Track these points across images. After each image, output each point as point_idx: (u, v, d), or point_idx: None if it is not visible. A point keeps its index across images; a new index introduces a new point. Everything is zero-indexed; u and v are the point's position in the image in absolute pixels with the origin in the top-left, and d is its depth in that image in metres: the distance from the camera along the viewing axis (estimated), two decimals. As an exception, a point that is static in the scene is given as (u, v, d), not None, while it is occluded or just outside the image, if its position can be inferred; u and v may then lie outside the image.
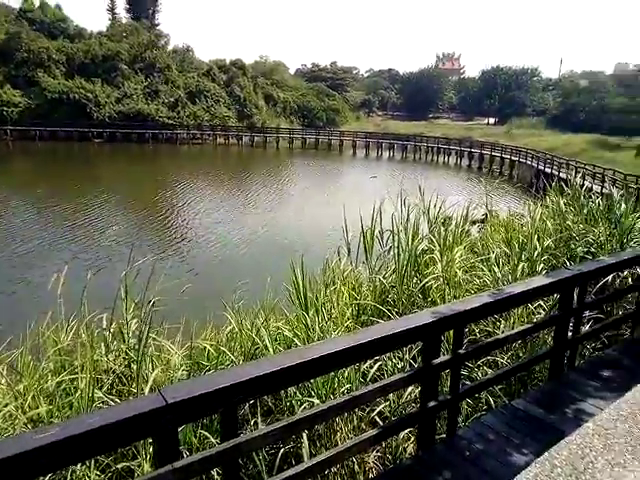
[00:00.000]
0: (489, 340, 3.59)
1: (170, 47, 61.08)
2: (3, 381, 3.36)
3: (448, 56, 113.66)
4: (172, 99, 53.81)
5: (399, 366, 3.70)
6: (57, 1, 64.18)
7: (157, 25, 66.64)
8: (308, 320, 3.75)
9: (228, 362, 3.57)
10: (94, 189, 26.21)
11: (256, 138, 54.53)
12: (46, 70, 50.42)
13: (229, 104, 58.41)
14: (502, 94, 78.51)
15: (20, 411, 2.97)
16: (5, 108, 47.68)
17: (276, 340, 3.75)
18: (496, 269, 5.08)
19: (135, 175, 33.61)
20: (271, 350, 3.48)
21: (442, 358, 2.89)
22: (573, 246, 5.98)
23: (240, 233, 17.95)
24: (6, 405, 2.98)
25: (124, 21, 65.27)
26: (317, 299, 4.15)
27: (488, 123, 79.15)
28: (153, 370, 3.26)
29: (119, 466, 2.73)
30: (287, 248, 15.04)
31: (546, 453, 2.35)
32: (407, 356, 3.72)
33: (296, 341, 3.64)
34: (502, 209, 9.62)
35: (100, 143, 48.01)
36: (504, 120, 70.64)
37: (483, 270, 5.17)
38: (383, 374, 3.64)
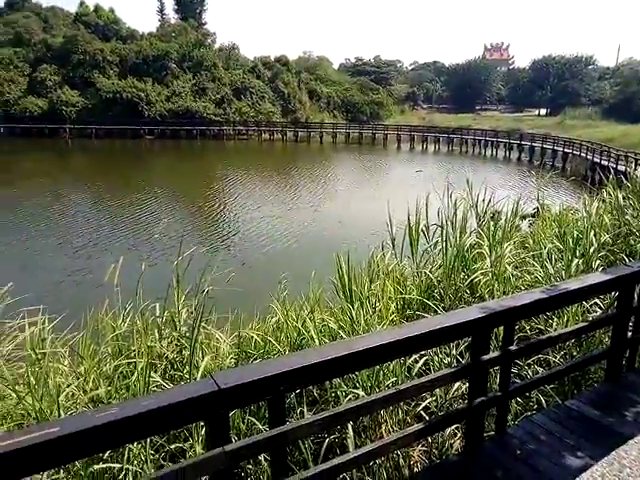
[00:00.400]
0: (541, 338, 3.48)
1: (216, 45, 62.44)
2: (66, 362, 3.58)
3: (496, 46, 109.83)
4: (219, 96, 55.00)
5: (446, 361, 3.64)
6: (111, 4, 66.86)
7: (204, 24, 68.21)
8: (353, 313, 3.76)
9: (275, 352, 3.64)
10: (147, 184, 27.30)
11: (300, 133, 54.87)
12: (101, 71, 52.75)
13: (273, 100, 59.05)
14: (554, 84, 75.18)
15: (81, 391, 3.16)
16: (64, 107, 50.34)
17: (321, 332, 3.78)
18: (548, 265, 4.89)
19: (185, 170, 34.67)
20: (317, 341, 3.51)
21: (491, 354, 2.83)
22: (633, 242, 5.67)
23: (287, 227, 18.18)
24: (69, 385, 3.17)
25: (173, 22, 67.29)
26: (362, 292, 4.15)
27: (539, 114, 76.02)
28: (203, 357, 3.37)
29: (172, 447, 2.86)
30: (332, 242, 15.08)
31: (613, 453, 2.26)
32: (454, 352, 3.66)
33: (341, 333, 3.66)
34: (554, 203, 9.24)
35: (151, 140, 49.81)
36: (557, 111, 67.64)
37: (534, 266, 4.99)
38: (429, 369, 3.60)
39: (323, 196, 24.90)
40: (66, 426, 1.28)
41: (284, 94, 59.40)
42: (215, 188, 26.97)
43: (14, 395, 3.11)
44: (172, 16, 69.80)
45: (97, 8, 60.41)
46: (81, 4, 60.74)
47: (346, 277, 4.13)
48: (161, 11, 70.45)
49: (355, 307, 3.84)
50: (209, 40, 61.19)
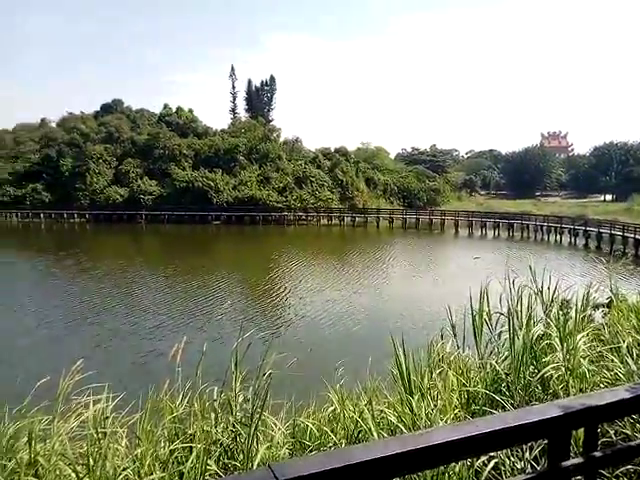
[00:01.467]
0: (631, 444, 3.09)
1: (281, 139, 67.26)
2: (123, 443, 3.59)
3: (554, 134, 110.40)
4: (281, 185, 58.28)
5: (519, 466, 3.30)
6: (190, 106, 75.05)
7: (271, 121, 74.33)
8: (413, 405, 3.57)
9: (331, 443, 3.48)
10: (214, 266, 28.60)
11: (357, 218, 56.18)
12: (177, 163, 58.04)
13: (332, 187, 61.59)
14: (618, 170, 73.33)
15: (137, 476, 3.13)
16: (142, 196, 55.19)
17: (379, 425, 3.59)
18: (629, 360, 4.47)
19: (250, 254, 36.10)
20: (375, 435, 3.33)
21: (573, 460, 2.55)
22: None
23: (348, 311, 18.09)
24: (125, 469, 3.16)
25: (243, 119, 73.94)
26: (422, 383, 3.95)
27: (605, 200, 73.57)
28: (258, 445, 3.28)
29: None
30: (391, 328, 14.77)
31: None
32: (528, 455, 3.32)
33: (401, 427, 3.46)
34: (630, 292, 8.63)
35: (217, 225, 52.82)
36: (623, 197, 65.22)
37: (613, 361, 4.58)
38: (500, 474, 3.27)
39: (382, 280, 24.78)
40: None
41: (342, 182, 61.90)
42: (278, 271, 27.69)
43: (74, 475, 3.14)
44: (243, 115, 77.02)
45: (178, 109, 67.87)
46: (165, 106, 68.63)
47: (404, 366, 3.97)
48: (233, 110, 78.09)
49: (415, 399, 3.65)
50: (275, 134, 66.18)
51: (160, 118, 66.48)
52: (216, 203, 55.25)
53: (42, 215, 55.13)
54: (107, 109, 68.42)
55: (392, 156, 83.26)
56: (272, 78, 78.17)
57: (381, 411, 3.77)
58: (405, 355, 4.05)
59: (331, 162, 63.97)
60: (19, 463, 3.10)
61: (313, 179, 60.85)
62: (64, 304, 19.38)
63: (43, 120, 68.02)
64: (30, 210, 55.39)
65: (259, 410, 3.25)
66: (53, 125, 66.33)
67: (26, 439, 3.41)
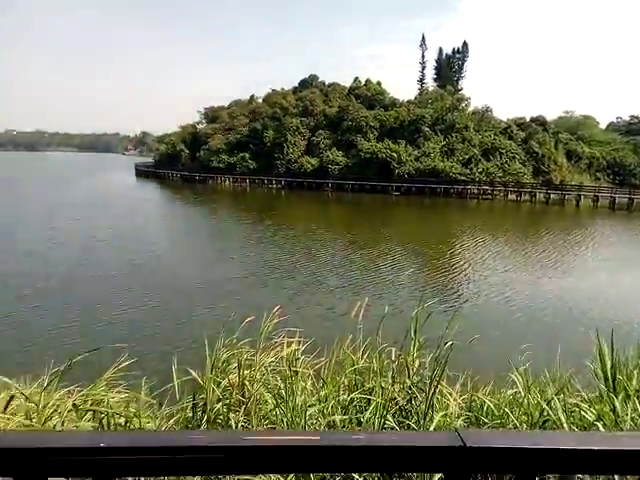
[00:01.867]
0: None
1: (470, 109, 63.42)
2: (309, 384, 4.00)
3: None
4: (466, 156, 55.37)
5: None
6: (378, 78, 75.91)
7: (460, 90, 70.48)
8: (617, 405, 3.15)
9: (510, 425, 3.32)
10: (393, 236, 29.24)
11: (552, 195, 50.26)
12: (363, 135, 59.75)
13: (524, 160, 56.11)
14: None
15: (320, 414, 3.47)
16: (330, 166, 58.64)
17: (571, 418, 3.28)
18: None
19: (430, 226, 35.78)
20: (566, 427, 3.06)
21: None
22: None
23: (535, 296, 16.71)
24: (310, 406, 3.54)
25: (431, 89, 71.72)
26: (629, 384, 3.45)
27: None
28: (433, 411, 3.32)
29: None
30: (583, 320, 13.18)
31: None
32: None
33: (599, 425, 3.10)
34: None
35: (397, 196, 53.22)
36: None
37: None
38: None
39: (580, 268, 21.98)
40: (325, 438, 1.38)
41: (537, 154, 55.84)
42: (458, 245, 26.84)
43: (270, 402, 3.65)
44: (430, 84, 74.69)
45: (367, 82, 69.26)
46: (354, 80, 70.73)
47: (609, 362, 3.51)
48: (421, 81, 76.26)
49: (619, 398, 3.21)
50: (463, 104, 62.72)
51: (350, 91, 68.82)
52: (397, 174, 55.50)
53: (247, 180, 63.00)
54: (304, 84, 73.60)
55: (602, 126, 71.50)
56: (465, 44, 73.74)
57: (574, 404, 3.43)
58: (612, 350, 3.57)
59: (525, 133, 58.04)
60: (231, 383, 3.71)
61: (503, 151, 56.23)
62: (263, 258, 22.12)
63: (252, 97, 76.73)
64: (239, 175, 63.80)
65: (437, 378, 3.26)
66: (260, 101, 74.30)
67: (236, 365, 4.07)
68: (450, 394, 3.74)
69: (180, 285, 17.15)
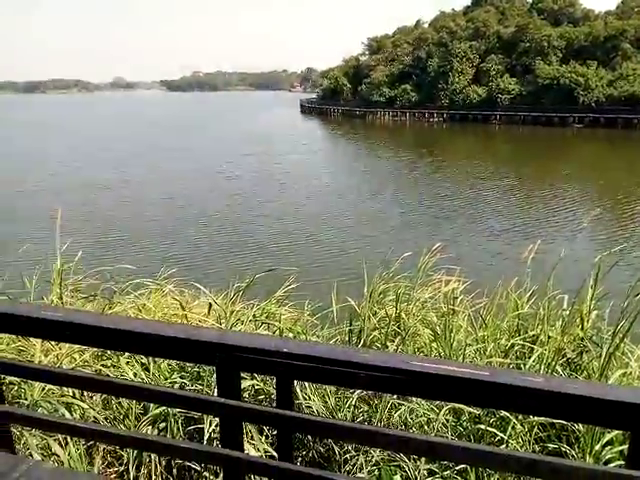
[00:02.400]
0: None
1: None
2: (465, 324, 3.92)
3: None
4: (681, 78, 44.91)
5: None
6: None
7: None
8: None
9: None
10: (571, 174, 26.05)
11: None
12: (543, 57, 52.27)
13: None
14: None
15: (478, 355, 3.41)
16: (500, 95, 53.22)
17: None
18: None
19: (617, 164, 30.70)
20: None
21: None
22: None
23: None
24: (468, 345, 3.48)
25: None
26: None
27: None
28: (608, 369, 3.00)
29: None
30: None
31: None
32: None
33: None
34: None
35: (579, 128, 46.31)
36: None
37: None
38: None
39: None
40: (494, 375, 1.33)
41: None
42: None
43: (426, 337, 3.70)
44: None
45: (554, -8, 59.39)
46: (539, -9, 61.16)
47: None
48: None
49: None
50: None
51: (532, 6, 60.00)
52: (582, 103, 47.85)
53: (407, 114, 60.99)
54: (477, 2, 66.26)
55: None
56: None
57: None
58: None
59: None
60: (387, 314, 3.85)
61: None
62: (423, 197, 21.69)
63: (418, 22, 72.00)
64: (399, 109, 62.06)
65: (621, 333, 2.91)
66: (426, 26, 69.48)
67: (392, 297, 4.18)
68: (632, 352, 3.33)
69: (340, 220, 17.90)
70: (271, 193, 22.12)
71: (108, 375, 3.01)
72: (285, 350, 1.36)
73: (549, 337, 3.33)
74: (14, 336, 2.97)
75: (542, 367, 3.00)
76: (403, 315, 3.82)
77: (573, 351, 3.31)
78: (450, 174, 27.01)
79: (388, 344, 3.59)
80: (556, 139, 43.08)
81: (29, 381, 2.74)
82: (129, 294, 3.99)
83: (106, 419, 2.87)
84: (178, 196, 21.23)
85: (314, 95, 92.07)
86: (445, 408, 2.74)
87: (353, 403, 2.95)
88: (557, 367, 3.04)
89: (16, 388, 2.88)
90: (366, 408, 3.00)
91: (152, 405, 2.71)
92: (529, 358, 3.14)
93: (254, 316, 3.43)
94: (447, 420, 2.77)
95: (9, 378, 2.72)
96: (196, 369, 3.05)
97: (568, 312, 3.56)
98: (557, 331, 3.47)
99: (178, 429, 2.67)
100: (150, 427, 2.66)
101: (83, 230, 14.78)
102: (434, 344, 3.50)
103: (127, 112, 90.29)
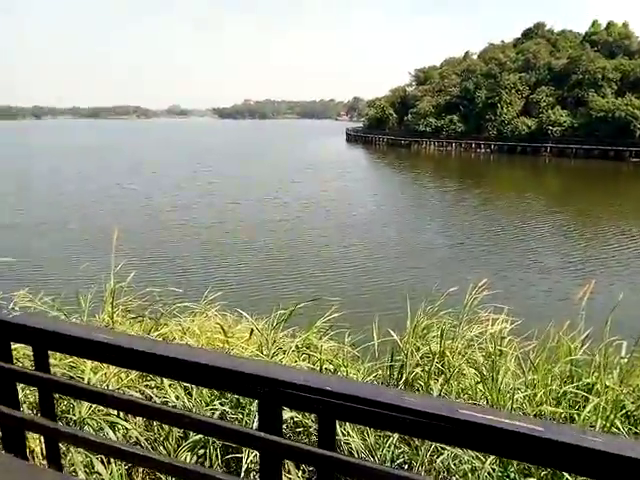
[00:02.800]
0: None
1: None
2: (513, 366, 3.74)
3: None
4: None
5: None
6: (625, 19, 62.71)
7: None
8: None
9: None
10: (629, 212, 24.90)
11: None
12: (597, 90, 50.89)
13: None
14: None
15: (526, 400, 3.24)
16: (550, 127, 51.98)
17: None
18: None
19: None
20: None
21: None
22: None
23: None
24: (515, 389, 3.32)
25: None
26: None
27: None
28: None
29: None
30: None
31: None
32: None
33: None
34: None
35: (636, 163, 44.38)
36: None
37: None
38: None
39: None
40: (549, 430, 1.25)
41: None
42: None
43: (472, 376, 3.56)
44: None
45: (609, 24, 58.13)
46: (593, 23, 60.05)
47: None
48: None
49: None
50: None
51: (585, 38, 58.89)
52: (639, 136, 46.00)
53: (454, 144, 60.54)
54: (527, 34, 65.76)
55: None
56: None
57: None
58: None
59: None
60: (431, 351, 3.74)
61: None
62: (470, 230, 21.14)
63: (466, 53, 72.13)
64: (444, 140, 61.73)
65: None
66: (475, 57, 69.45)
67: (435, 333, 4.07)
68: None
69: (385, 250, 17.71)
70: (317, 220, 22.29)
71: (151, 397, 3.06)
72: (328, 388, 1.34)
73: (606, 386, 3.13)
74: (66, 352, 3.09)
75: (599, 419, 2.81)
76: (447, 353, 3.71)
77: (633, 403, 3.09)
78: (499, 207, 26.38)
79: (431, 383, 3.47)
80: (611, 173, 41.44)
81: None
82: (175, 316, 4.09)
83: (147, 440, 2.91)
84: (229, 221, 21.76)
85: (360, 124, 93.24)
86: (492, 457, 2.61)
87: (394, 443, 2.85)
88: (616, 421, 2.84)
89: (65, 403, 2.98)
90: (407, 449, 2.89)
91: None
92: (584, 408, 2.95)
93: (297, 347, 3.42)
94: (493, 469, 2.63)
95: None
96: (236, 396, 3.06)
97: (627, 360, 3.35)
98: (615, 380, 3.26)
99: (217, 456, 2.66)
100: (189, 453, 2.67)
101: (137, 251, 15.44)
102: (480, 386, 3.36)
103: (184, 139, 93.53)
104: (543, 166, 47.28)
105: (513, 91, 57.19)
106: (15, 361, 2.60)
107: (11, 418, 2.10)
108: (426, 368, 3.65)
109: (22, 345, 2.58)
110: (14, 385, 2.14)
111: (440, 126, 62.85)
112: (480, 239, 19.45)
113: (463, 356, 3.76)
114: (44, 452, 2.75)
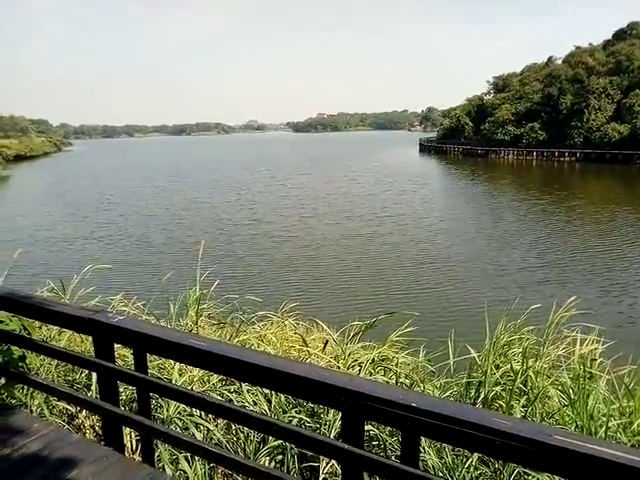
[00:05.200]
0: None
1: None
2: (603, 390, 3.46)
3: None
4: None
5: None
6: None
7: None
8: None
9: None
10: None
11: None
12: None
13: None
14: None
15: (621, 430, 2.99)
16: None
17: None
18: None
19: None
20: None
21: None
22: None
23: None
24: (608, 415, 3.07)
25: None
26: None
27: None
28: None
29: None
30: None
31: None
32: None
33: None
34: None
35: None
36: None
37: None
38: None
39: None
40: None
41: None
42: None
43: (556, 400, 3.35)
44: None
45: None
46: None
47: None
48: None
49: None
50: None
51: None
52: None
53: (534, 153, 57.43)
54: (619, 36, 61.16)
55: None
56: None
57: None
58: None
59: None
60: (513, 370, 3.56)
61: None
62: (558, 247, 19.54)
63: (549, 59, 68.45)
64: (524, 148, 58.78)
65: None
66: (559, 62, 65.75)
67: (516, 351, 3.87)
68: None
69: (466, 265, 17.05)
70: (393, 234, 21.98)
71: (231, 400, 3.20)
72: (414, 404, 1.34)
73: None
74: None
75: None
76: (530, 373, 3.51)
77: None
78: (592, 222, 24.36)
79: (513, 404, 3.31)
80: None
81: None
82: (252, 324, 4.25)
83: (228, 442, 3.03)
84: (304, 234, 22.17)
85: (434, 134, 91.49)
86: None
87: (473, 464, 2.75)
88: None
89: (154, 402, 3.20)
90: (487, 472, 2.77)
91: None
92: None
93: (374, 360, 3.42)
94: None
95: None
96: (311, 405, 3.11)
97: None
98: None
99: (294, 463, 2.72)
100: (267, 458, 2.75)
101: (222, 260, 16.29)
102: (567, 410, 3.14)
103: (267, 153, 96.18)
104: (638, 175, 43.41)
105: (603, 96, 53.31)
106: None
107: (112, 414, 2.30)
108: (506, 387, 3.48)
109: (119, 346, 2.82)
110: (115, 383, 2.35)
111: (519, 134, 59.97)
112: (571, 258, 17.90)
113: (548, 377, 3.54)
114: (133, 446, 2.97)
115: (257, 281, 15.04)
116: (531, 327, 4.13)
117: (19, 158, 68.75)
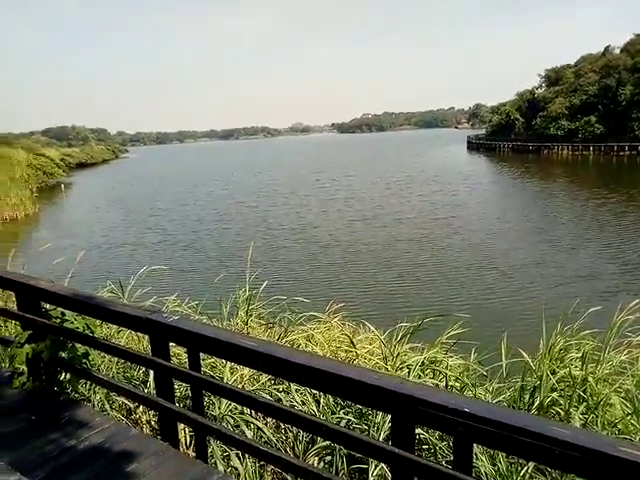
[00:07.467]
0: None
1: None
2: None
3: None
4: None
5: None
6: None
7: None
8: None
9: None
10: None
11: None
12: None
13: None
14: None
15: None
16: None
17: None
18: None
19: None
20: None
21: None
22: None
23: None
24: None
25: None
26: None
27: None
28: None
29: None
30: None
31: None
32: None
33: None
34: None
35: None
36: None
37: None
38: None
39: None
40: None
41: None
42: None
43: (618, 407, 3.17)
44: None
45: None
46: None
47: None
48: None
49: None
50: None
51: None
52: None
53: (591, 148, 54.58)
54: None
55: None
56: None
57: None
58: None
59: None
60: (571, 375, 3.40)
61: None
62: (623, 252, 18.24)
63: (607, 48, 64.79)
64: (580, 143, 55.94)
65: None
66: (617, 52, 62.13)
67: (574, 356, 3.70)
68: None
69: (521, 267, 16.34)
70: (446, 236, 21.38)
71: (280, 399, 3.25)
72: (466, 410, 1.31)
73: None
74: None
75: None
76: (590, 379, 3.34)
77: None
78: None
79: (571, 411, 3.16)
80: None
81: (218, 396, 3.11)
82: (301, 324, 4.29)
83: (277, 441, 3.08)
84: (352, 238, 22.10)
85: (482, 131, 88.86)
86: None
87: (529, 472, 2.65)
88: None
89: (206, 400, 3.29)
90: (544, 481, 2.66)
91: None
92: None
93: (422, 363, 3.37)
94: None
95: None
96: (358, 406, 3.10)
97: None
98: None
99: (342, 464, 2.72)
100: (316, 458, 2.76)
101: (271, 263, 16.59)
102: (632, 419, 2.97)
103: (310, 155, 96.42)
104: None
105: (668, 84, 49.94)
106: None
107: (168, 410, 2.39)
108: (564, 394, 3.33)
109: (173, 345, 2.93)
110: (171, 381, 2.44)
111: (574, 128, 57.16)
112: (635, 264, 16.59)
113: (610, 384, 3.36)
114: (187, 442, 3.07)
115: (305, 282, 15.16)
116: (589, 331, 3.94)
117: (81, 166, 72.68)
